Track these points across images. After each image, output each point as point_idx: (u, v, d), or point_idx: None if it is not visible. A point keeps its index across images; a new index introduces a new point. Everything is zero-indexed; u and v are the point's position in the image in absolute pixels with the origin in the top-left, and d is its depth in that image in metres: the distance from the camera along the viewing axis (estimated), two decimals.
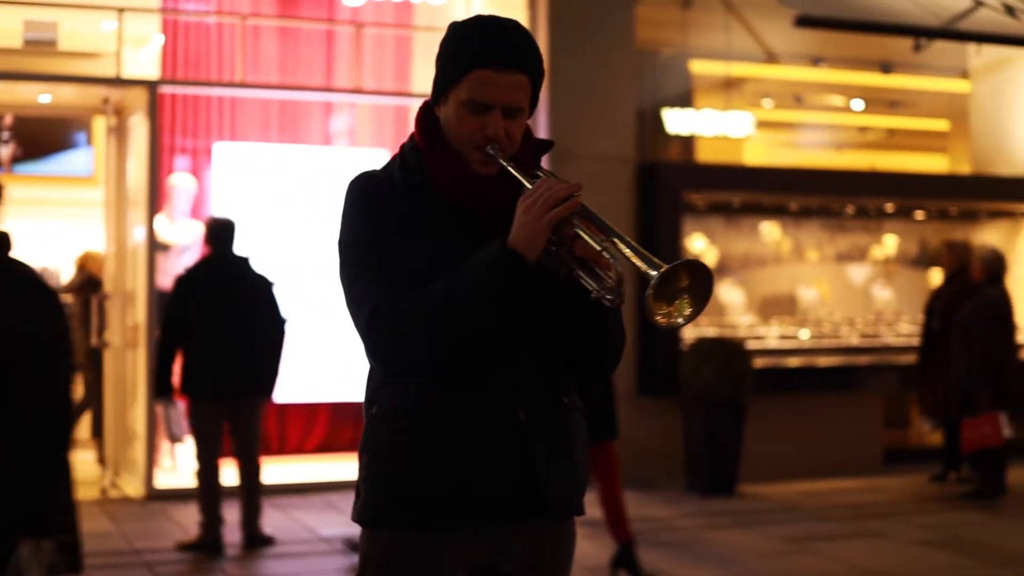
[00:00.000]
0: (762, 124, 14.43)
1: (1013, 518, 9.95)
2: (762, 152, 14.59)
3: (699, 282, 2.59)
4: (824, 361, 12.56)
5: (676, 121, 12.96)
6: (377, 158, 12.02)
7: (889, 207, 13.83)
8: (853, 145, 16.80)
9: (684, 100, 13.27)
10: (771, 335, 12.91)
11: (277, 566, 8.18)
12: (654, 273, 2.54)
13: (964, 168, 15.21)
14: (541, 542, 2.93)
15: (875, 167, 15.26)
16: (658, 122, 12.84)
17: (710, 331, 12.32)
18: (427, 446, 2.81)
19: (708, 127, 13.15)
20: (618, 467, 7.70)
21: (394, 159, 3.01)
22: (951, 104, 15.87)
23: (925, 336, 11.55)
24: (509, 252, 2.73)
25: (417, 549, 2.85)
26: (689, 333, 11.60)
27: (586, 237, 2.69)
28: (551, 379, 2.92)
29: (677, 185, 11.55)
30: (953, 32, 11.01)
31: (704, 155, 13.51)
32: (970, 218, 14.26)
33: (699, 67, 13.64)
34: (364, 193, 2.92)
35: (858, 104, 16.37)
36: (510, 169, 2.86)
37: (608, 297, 2.68)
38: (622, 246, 2.64)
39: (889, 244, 14.32)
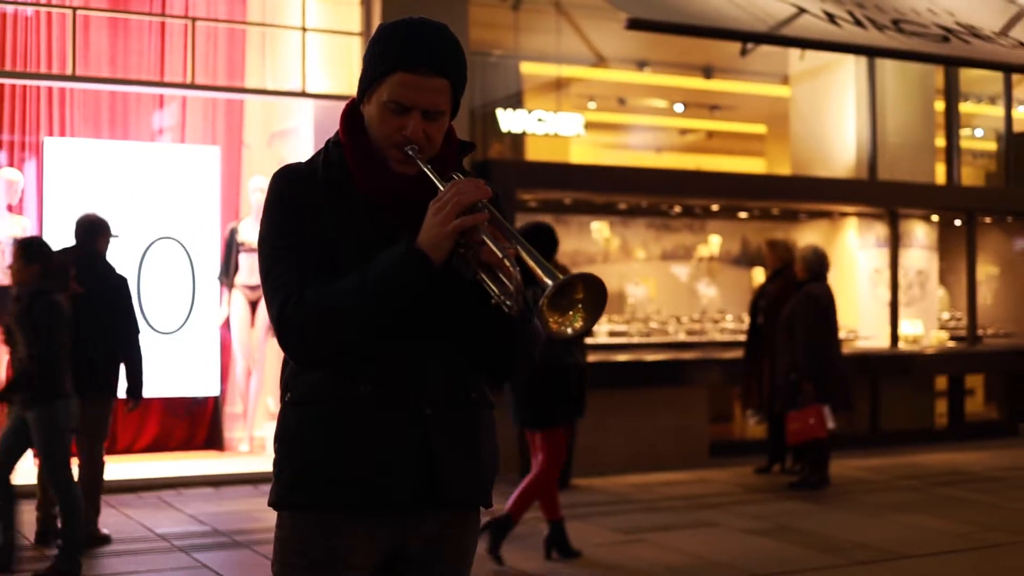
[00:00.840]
0: (591, 125, 14.68)
1: (837, 507, 10.29)
2: (591, 152, 14.86)
3: (593, 295, 2.68)
4: (652, 357, 12.84)
5: (508, 121, 13.10)
6: (208, 155, 11.91)
7: (714, 207, 14.18)
8: (676, 147, 17.21)
9: (515, 101, 13.43)
10: (601, 332, 13.13)
11: (116, 564, 8.06)
12: (549, 283, 2.62)
13: (784, 170, 15.69)
14: (446, 531, 3.00)
15: (700, 168, 15.64)
16: (490, 122, 12.97)
17: None
18: (332, 433, 2.87)
19: (539, 127, 13.33)
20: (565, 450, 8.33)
21: (319, 153, 3.05)
22: (772, 108, 16.36)
23: (750, 332, 11.89)
24: (415, 252, 2.78)
25: (323, 532, 2.90)
26: None
27: (490, 244, 2.76)
28: (458, 376, 2.98)
29: (509, 183, 11.67)
30: (779, 37, 11.34)
31: (535, 154, 13.69)
32: (791, 218, 14.70)
33: (530, 68, 13.82)
34: (283, 187, 2.96)
35: (679, 107, 16.78)
36: (427, 171, 2.91)
37: (507, 303, 2.75)
38: (524, 254, 2.71)
39: (713, 243, 14.68)
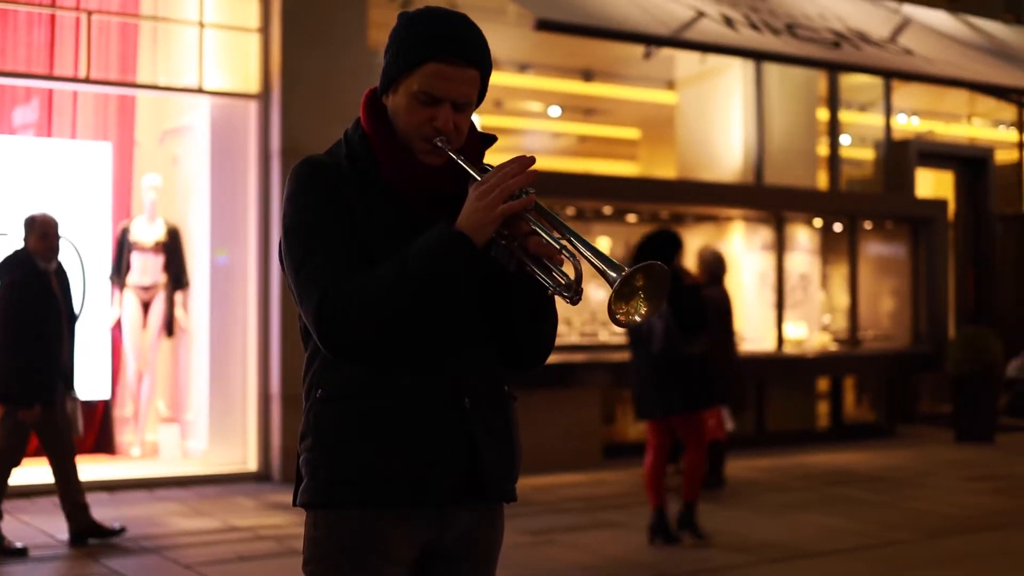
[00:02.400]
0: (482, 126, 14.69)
1: (737, 507, 10.41)
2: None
3: (654, 282, 2.67)
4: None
5: None
6: (99, 151, 11.65)
7: (607, 209, 14.25)
8: (551, 151, 17.30)
9: None
10: None
11: (21, 572, 7.83)
12: (614, 275, 2.60)
13: (669, 173, 15.84)
14: (477, 525, 2.98)
15: (589, 171, 15.72)
16: None
17: None
18: (373, 428, 2.83)
19: None
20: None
21: (337, 146, 2.99)
22: (653, 112, 16.52)
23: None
24: (456, 234, 2.74)
25: (363, 529, 2.86)
26: None
27: (543, 235, 2.73)
28: (492, 368, 2.98)
29: None
30: (681, 41, 11.45)
31: None
32: (678, 221, 14.83)
33: None
34: (310, 179, 2.89)
35: (555, 111, 16.87)
36: (459, 162, 2.87)
37: (566, 295, 2.75)
38: (580, 246, 2.69)
39: (602, 246, 14.75)
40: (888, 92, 16.29)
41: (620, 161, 18.28)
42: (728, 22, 11.95)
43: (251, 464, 11.37)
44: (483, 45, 2.92)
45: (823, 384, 15.28)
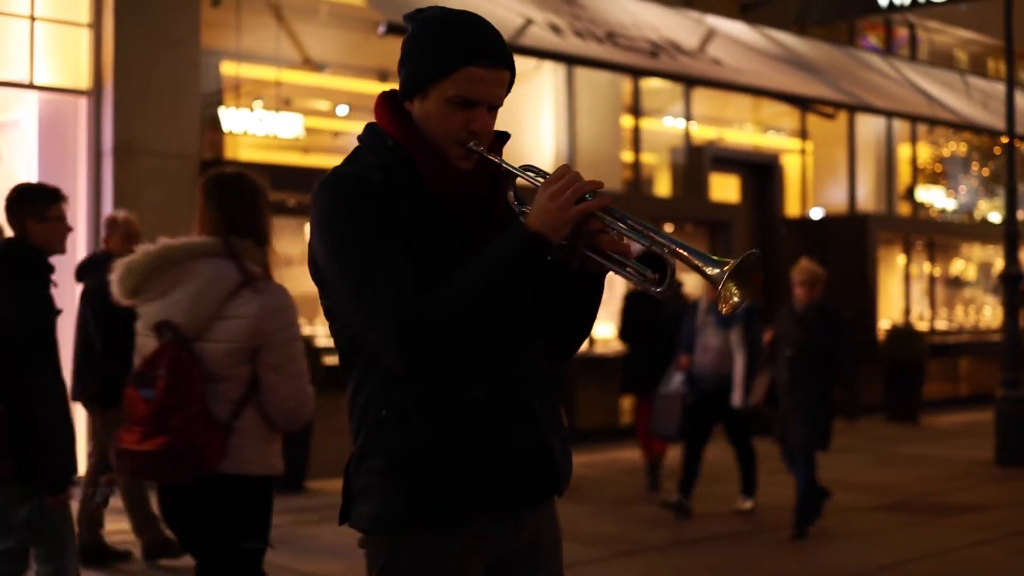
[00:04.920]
0: (309, 128, 14.62)
1: (586, 504, 10.55)
2: (307, 155, 14.77)
3: (745, 269, 2.70)
4: None
5: (233, 120, 12.92)
6: None
7: None
8: (339, 150, 17.28)
9: (241, 100, 13.24)
10: (320, 333, 13.10)
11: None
12: (716, 270, 2.67)
13: None
14: (541, 524, 3.01)
15: None
16: (218, 121, 12.76)
17: None
18: (455, 445, 2.80)
19: (262, 128, 13.20)
20: None
21: (360, 156, 2.93)
22: None
23: None
24: (534, 235, 2.71)
25: (447, 550, 2.84)
26: None
27: (626, 232, 2.77)
28: (545, 367, 2.99)
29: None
30: (519, 47, 11.64)
31: (260, 156, 13.53)
32: None
33: (251, 71, 13.64)
34: (350, 195, 2.81)
35: (343, 109, 16.86)
36: (504, 164, 2.89)
37: (657, 289, 2.79)
38: (667, 242, 2.74)
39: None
40: (688, 99, 16.83)
41: None
42: (555, 29, 12.22)
43: None
44: (506, 45, 2.91)
45: None
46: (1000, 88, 21.72)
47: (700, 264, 2.70)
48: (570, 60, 12.42)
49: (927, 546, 8.98)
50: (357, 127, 15.16)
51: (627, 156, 16.01)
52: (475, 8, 10.52)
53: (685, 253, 2.71)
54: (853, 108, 17.24)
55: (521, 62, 14.18)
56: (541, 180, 2.84)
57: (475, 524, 2.84)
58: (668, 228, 16.40)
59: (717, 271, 2.67)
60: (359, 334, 2.82)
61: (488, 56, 2.83)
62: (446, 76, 2.82)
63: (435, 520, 2.81)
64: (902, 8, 16.86)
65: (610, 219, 2.78)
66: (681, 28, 15.01)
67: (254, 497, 4.68)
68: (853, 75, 17.48)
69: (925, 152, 21.98)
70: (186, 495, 4.56)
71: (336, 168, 2.89)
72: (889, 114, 18.53)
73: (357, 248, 2.76)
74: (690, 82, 14.68)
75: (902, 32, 21.06)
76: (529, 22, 12.04)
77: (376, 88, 16.23)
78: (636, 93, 16.15)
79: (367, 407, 2.86)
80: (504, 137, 3.04)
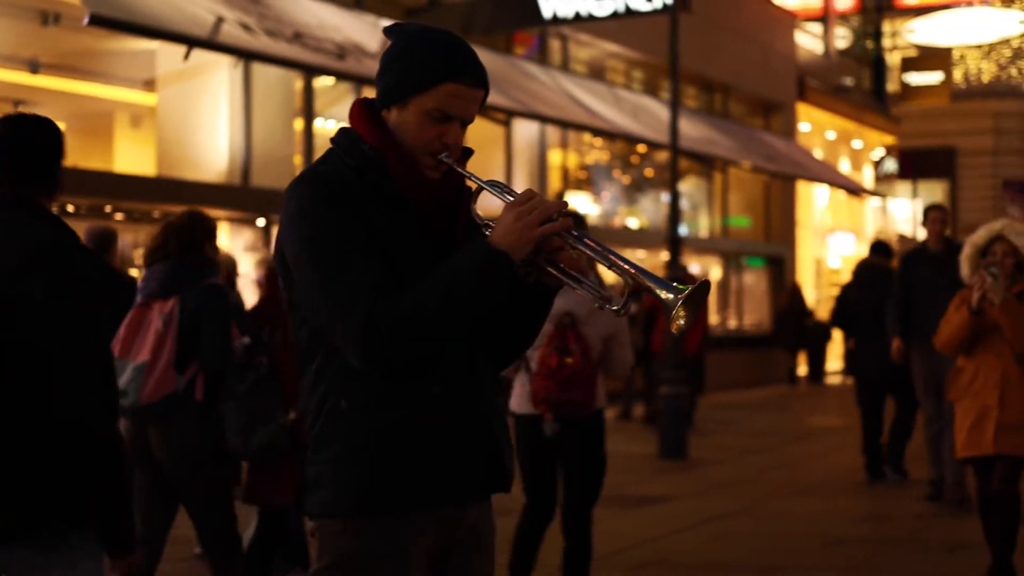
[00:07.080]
0: None
1: None
2: None
3: (697, 295, 2.87)
4: None
5: None
6: None
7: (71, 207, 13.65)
8: None
9: None
10: None
11: None
12: (671, 296, 2.84)
13: (151, 171, 15.60)
14: (479, 518, 3.15)
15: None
16: None
17: None
18: (410, 435, 2.94)
19: None
20: None
21: (333, 159, 3.04)
22: (132, 111, 16.23)
23: None
24: (498, 252, 2.87)
25: (395, 536, 2.96)
26: None
27: (588, 253, 2.92)
28: (492, 370, 3.17)
29: None
30: (217, 44, 11.48)
31: None
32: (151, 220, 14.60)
33: None
34: (323, 194, 2.93)
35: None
36: (473, 178, 3.05)
37: (613, 307, 2.97)
38: (625, 265, 2.89)
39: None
40: None
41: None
42: (246, 28, 12.11)
43: None
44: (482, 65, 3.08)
45: None
46: (647, 100, 22.91)
47: (654, 287, 2.88)
48: (268, 60, 12.32)
49: (636, 535, 9.42)
50: None
51: (297, 158, 15.95)
52: (168, 5, 10.34)
53: (642, 276, 2.88)
54: (524, 115, 17.70)
55: (197, 55, 14.03)
56: (508, 196, 2.99)
57: (424, 512, 2.98)
58: None
59: (671, 296, 2.85)
60: (325, 329, 2.92)
61: (469, 75, 3.00)
62: (428, 89, 2.97)
63: (385, 506, 2.94)
64: (565, 21, 17.46)
65: (572, 240, 2.93)
66: (361, 31, 15.08)
67: None
68: (516, 83, 17.99)
69: (573, 159, 22.78)
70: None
71: (310, 167, 3.02)
72: (557, 123, 19.13)
73: (328, 246, 2.88)
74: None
75: (555, 44, 21.77)
76: (220, 19, 11.87)
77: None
78: (308, 96, 16.09)
79: (326, 398, 2.97)
80: (468, 153, 3.16)
